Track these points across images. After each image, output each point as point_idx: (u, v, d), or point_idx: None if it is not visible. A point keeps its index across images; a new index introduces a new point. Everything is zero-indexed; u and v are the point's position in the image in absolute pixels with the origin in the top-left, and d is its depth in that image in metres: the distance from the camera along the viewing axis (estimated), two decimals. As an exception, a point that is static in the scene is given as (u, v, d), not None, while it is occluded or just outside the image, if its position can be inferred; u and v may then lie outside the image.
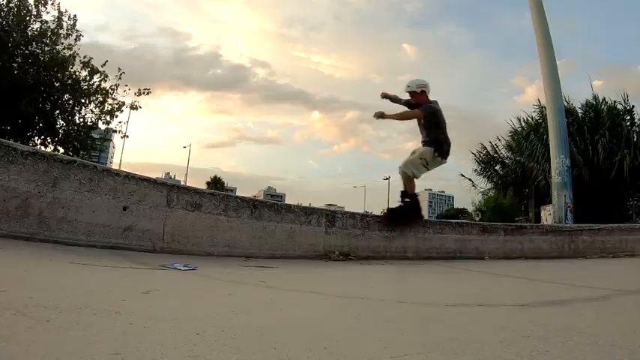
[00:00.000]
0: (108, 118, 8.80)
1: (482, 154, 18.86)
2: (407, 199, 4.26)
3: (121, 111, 8.97)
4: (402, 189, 4.37)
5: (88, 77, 8.59)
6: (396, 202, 4.62)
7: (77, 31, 8.78)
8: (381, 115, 4.29)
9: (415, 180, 4.37)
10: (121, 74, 8.94)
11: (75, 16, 8.76)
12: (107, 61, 8.87)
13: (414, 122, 4.43)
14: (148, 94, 9.32)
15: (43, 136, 8.48)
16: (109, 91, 8.77)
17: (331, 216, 3.90)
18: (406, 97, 4.47)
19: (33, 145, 7.71)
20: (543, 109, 14.06)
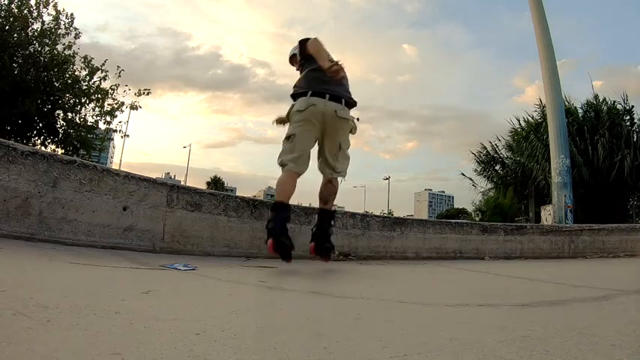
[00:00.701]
0: (108, 118, 8.82)
1: (482, 154, 18.92)
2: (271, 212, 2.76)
3: (121, 111, 9.00)
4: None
5: (88, 77, 8.61)
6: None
7: (75, 29, 8.80)
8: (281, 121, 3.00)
9: (297, 177, 2.82)
10: (120, 72, 8.96)
11: (72, 14, 8.77)
12: (107, 59, 8.89)
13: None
14: (147, 94, 9.35)
15: (43, 137, 8.49)
16: (109, 91, 8.79)
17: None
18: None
19: (33, 145, 7.72)
20: (544, 109, 14.08)
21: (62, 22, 8.49)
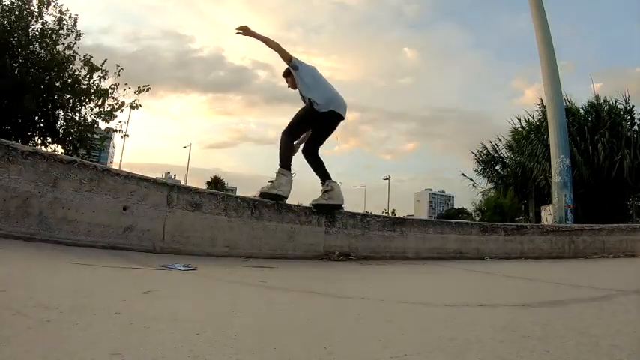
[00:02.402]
0: (107, 117, 8.81)
1: (482, 154, 18.90)
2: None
3: (121, 110, 8.98)
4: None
5: (88, 76, 8.60)
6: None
7: (78, 30, 8.79)
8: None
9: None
10: (119, 70, 8.94)
11: (76, 16, 8.77)
12: (106, 59, 8.88)
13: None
14: (147, 90, 9.30)
15: (43, 137, 8.49)
16: (109, 90, 8.77)
17: (331, 216, 3.90)
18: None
19: (33, 145, 7.73)
20: (545, 109, 14.07)
21: (65, 23, 8.50)
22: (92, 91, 8.59)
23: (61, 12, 8.51)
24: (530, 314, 1.66)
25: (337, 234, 3.85)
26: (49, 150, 8.00)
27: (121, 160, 37.42)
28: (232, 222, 3.30)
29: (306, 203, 3.91)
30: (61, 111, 8.54)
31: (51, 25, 8.41)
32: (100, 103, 8.68)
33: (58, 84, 8.26)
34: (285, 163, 3.71)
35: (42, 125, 8.39)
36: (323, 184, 3.80)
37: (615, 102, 15.64)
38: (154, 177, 3.46)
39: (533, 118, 17.48)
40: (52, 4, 8.46)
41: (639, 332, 1.37)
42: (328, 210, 3.80)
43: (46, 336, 0.93)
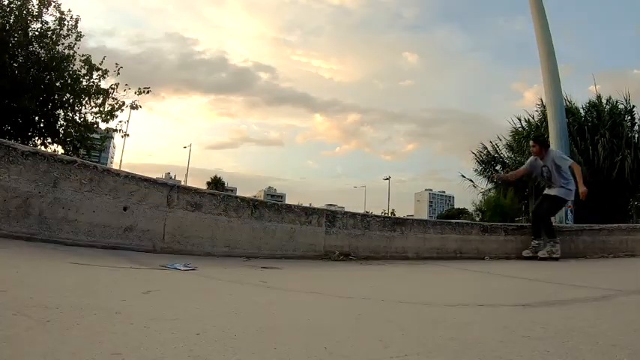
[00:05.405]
0: (108, 117, 8.81)
1: (482, 154, 18.89)
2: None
3: (121, 110, 8.98)
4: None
5: (87, 75, 8.60)
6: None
7: (78, 31, 8.80)
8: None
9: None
10: (119, 69, 8.94)
11: (77, 17, 8.77)
12: (105, 57, 8.88)
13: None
14: (147, 92, 9.32)
15: (43, 137, 8.49)
16: (109, 90, 8.78)
17: (331, 216, 3.90)
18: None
19: (33, 145, 7.73)
20: (545, 109, 14.06)
21: (65, 23, 8.49)
22: (92, 90, 8.60)
23: (61, 12, 8.51)
24: (530, 314, 1.66)
25: (337, 234, 3.85)
26: (49, 150, 8.00)
27: (121, 160, 37.43)
28: (232, 222, 3.30)
29: (307, 203, 3.91)
30: (61, 111, 8.54)
31: (51, 25, 8.41)
32: (100, 102, 8.68)
33: (58, 84, 8.26)
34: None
35: (42, 125, 8.38)
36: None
37: (616, 102, 15.65)
38: (155, 177, 3.46)
39: (533, 118, 17.49)
40: (53, 4, 8.46)
41: (639, 332, 1.37)
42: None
43: (46, 336, 0.93)
